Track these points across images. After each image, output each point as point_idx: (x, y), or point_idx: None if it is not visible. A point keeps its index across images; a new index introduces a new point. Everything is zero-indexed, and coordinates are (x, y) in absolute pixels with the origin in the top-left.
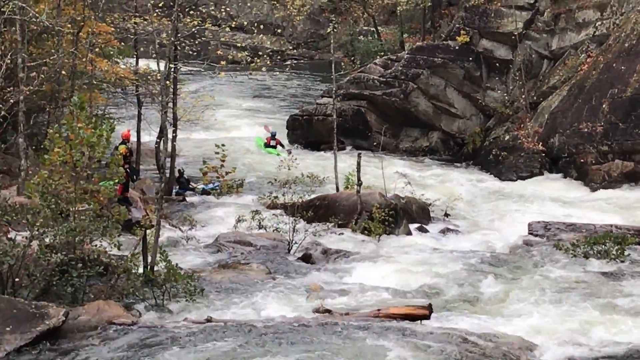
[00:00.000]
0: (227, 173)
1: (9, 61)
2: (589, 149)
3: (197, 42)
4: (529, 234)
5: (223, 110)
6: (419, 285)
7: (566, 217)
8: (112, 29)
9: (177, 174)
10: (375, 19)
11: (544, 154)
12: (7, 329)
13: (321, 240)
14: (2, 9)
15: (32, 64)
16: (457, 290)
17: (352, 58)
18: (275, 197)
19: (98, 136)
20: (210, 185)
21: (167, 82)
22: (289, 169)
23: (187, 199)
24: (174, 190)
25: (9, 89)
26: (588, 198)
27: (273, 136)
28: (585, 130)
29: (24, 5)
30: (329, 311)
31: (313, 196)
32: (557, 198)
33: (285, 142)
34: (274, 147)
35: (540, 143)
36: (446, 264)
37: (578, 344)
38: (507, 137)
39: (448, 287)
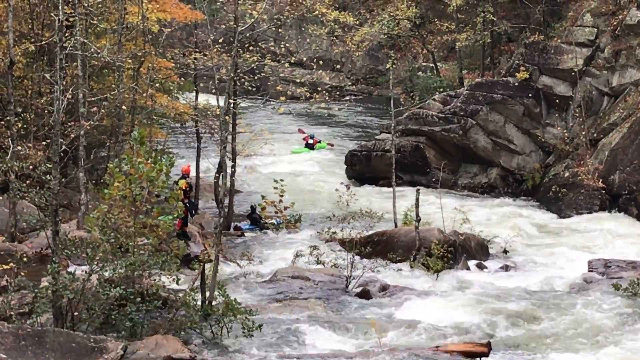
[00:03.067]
0: (285, 208)
1: (70, 96)
2: None
3: (256, 78)
4: (589, 271)
5: (282, 142)
6: (478, 322)
7: (627, 255)
8: (172, 64)
9: (249, 210)
10: (435, 55)
11: (604, 191)
12: None
13: (379, 276)
14: (64, 45)
15: (92, 99)
16: (516, 327)
17: (411, 94)
18: (334, 233)
19: (157, 171)
20: (279, 220)
21: (227, 117)
22: (348, 205)
23: (246, 234)
24: (246, 227)
25: (70, 124)
26: None
27: (312, 137)
28: None
29: (85, 40)
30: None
31: (371, 232)
32: (617, 235)
33: (340, 174)
34: (312, 146)
35: (601, 180)
36: (505, 301)
37: None
38: (566, 174)
39: (507, 324)
